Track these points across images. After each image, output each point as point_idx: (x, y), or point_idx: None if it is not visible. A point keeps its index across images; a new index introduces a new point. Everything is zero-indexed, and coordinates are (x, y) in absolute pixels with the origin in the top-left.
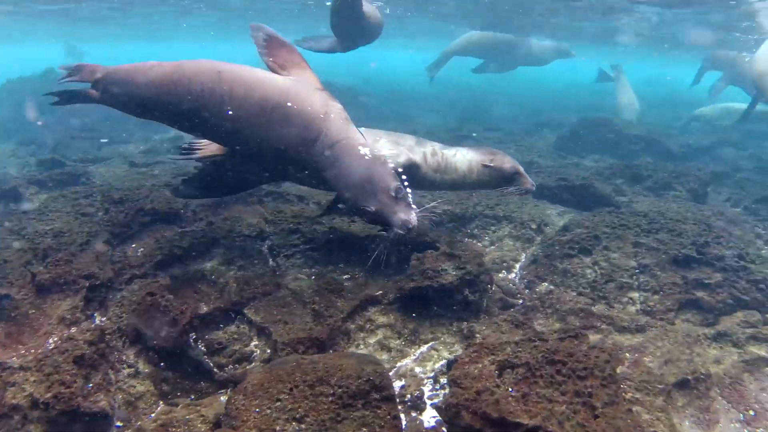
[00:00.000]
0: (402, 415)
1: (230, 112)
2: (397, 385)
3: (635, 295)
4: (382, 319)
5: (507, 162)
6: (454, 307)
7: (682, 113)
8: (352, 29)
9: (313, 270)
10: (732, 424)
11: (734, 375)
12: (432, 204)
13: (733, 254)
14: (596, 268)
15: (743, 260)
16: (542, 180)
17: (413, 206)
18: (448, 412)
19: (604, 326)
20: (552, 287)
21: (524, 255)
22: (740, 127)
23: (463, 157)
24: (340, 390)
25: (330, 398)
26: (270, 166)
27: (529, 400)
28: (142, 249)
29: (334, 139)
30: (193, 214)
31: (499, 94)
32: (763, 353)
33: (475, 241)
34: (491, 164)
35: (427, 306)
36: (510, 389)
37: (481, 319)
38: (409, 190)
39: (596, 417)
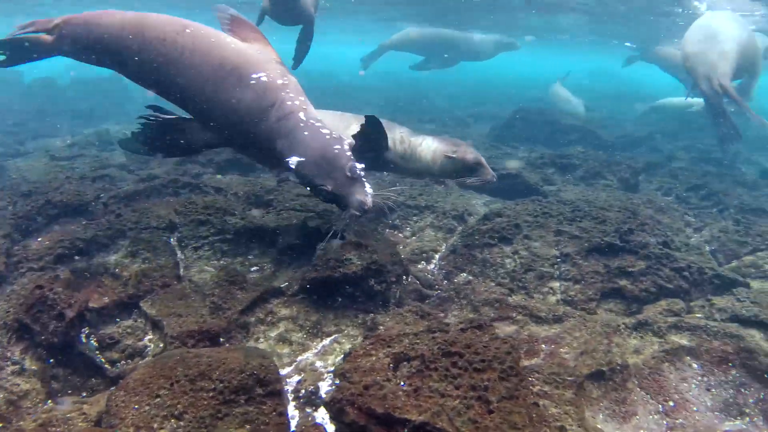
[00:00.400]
0: (296, 412)
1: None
2: (295, 379)
3: (556, 284)
4: (284, 312)
5: (470, 153)
6: (360, 298)
7: (628, 105)
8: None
9: (221, 262)
10: (650, 416)
11: (654, 365)
12: (390, 189)
13: (657, 242)
14: (516, 257)
15: (668, 248)
16: None
17: (369, 188)
18: (332, 407)
19: (519, 317)
20: (471, 277)
21: (445, 245)
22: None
23: (427, 147)
24: (221, 385)
25: (210, 393)
26: (222, 130)
27: (421, 394)
28: (47, 242)
29: (289, 110)
30: (104, 207)
31: (441, 86)
32: (684, 342)
33: (396, 232)
34: (454, 155)
35: (333, 297)
36: (401, 383)
37: (391, 310)
38: (363, 171)
39: (491, 412)
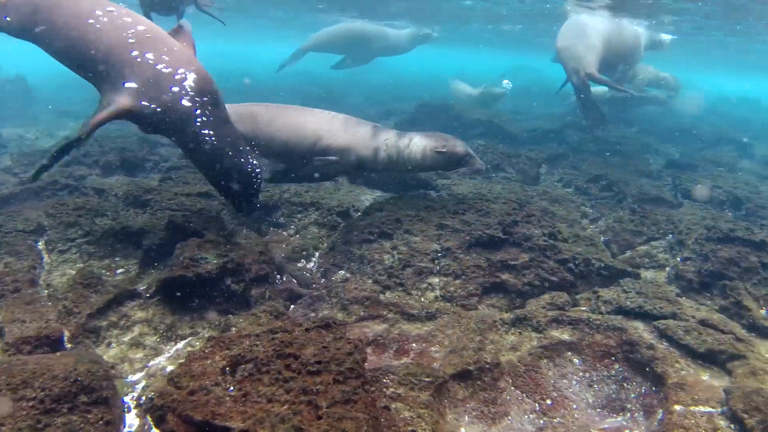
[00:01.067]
0: (136, 420)
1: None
2: (141, 385)
3: (435, 280)
4: (140, 315)
5: (459, 146)
6: (217, 299)
7: (545, 100)
8: None
9: (87, 264)
10: (525, 416)
11: (531, 362)
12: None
13: (542, 233)
14: (395, 252)
15: (553, 239)
16: None
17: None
18: (154, 414)
19: (390, 315)
20: (348, 275)
21: (327, 242)
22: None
23: (416, 147)
24: (42, 393)
25: (31, 403)
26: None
27: (249, 399)
28: None
29: (215, 102)
30: None
31: (360, 85)
32: (565, 337)
33: (279, 230)
34: (444, 150)
35: (191, 298)
36: (230, 388)
37: (249, 311)
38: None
39: (319, 418)
